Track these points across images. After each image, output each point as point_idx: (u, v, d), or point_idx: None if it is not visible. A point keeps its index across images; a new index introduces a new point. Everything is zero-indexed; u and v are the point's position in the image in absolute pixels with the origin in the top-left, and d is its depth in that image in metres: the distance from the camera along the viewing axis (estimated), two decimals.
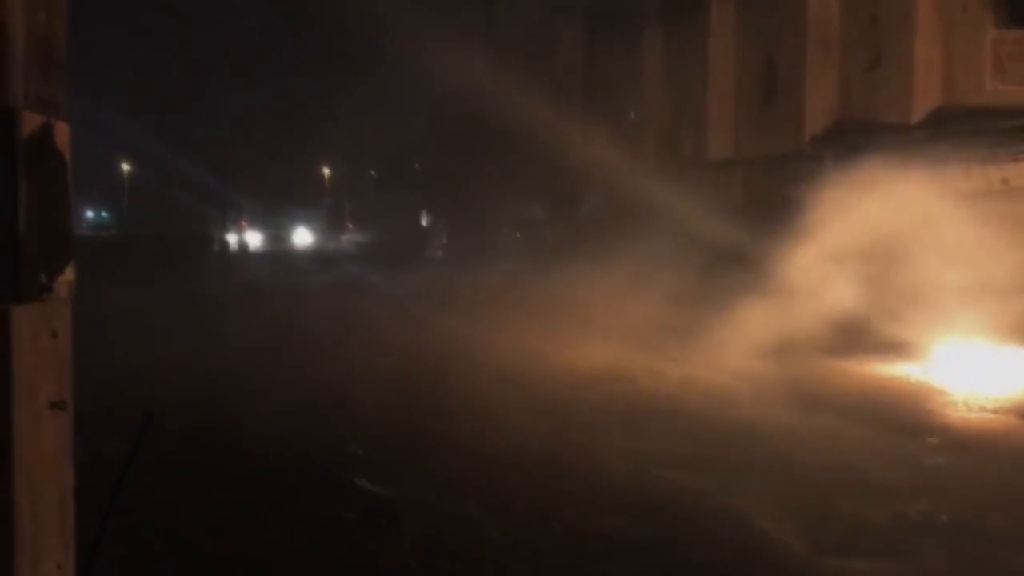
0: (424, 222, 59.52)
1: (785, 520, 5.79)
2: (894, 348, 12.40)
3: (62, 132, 2.44)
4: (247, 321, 16.34)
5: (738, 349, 12.48)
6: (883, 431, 8.41)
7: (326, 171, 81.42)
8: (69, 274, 2.46)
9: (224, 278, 29.12)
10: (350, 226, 79.78)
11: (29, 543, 2.29)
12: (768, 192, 19.39)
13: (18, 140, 2.26)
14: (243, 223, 66.20)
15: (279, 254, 56.11)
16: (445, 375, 11.14)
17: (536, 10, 36.17)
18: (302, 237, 73.25)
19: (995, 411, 9.67)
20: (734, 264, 16.79)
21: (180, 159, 57.37)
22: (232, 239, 52.87)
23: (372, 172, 75.61)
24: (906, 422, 8.88)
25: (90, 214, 67.78)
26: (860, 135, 17.13)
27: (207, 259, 40.39)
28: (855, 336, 12.74)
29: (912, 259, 13.11)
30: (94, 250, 29.06)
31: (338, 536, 5.56)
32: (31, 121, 2.30)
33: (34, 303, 2.28)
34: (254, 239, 67.62)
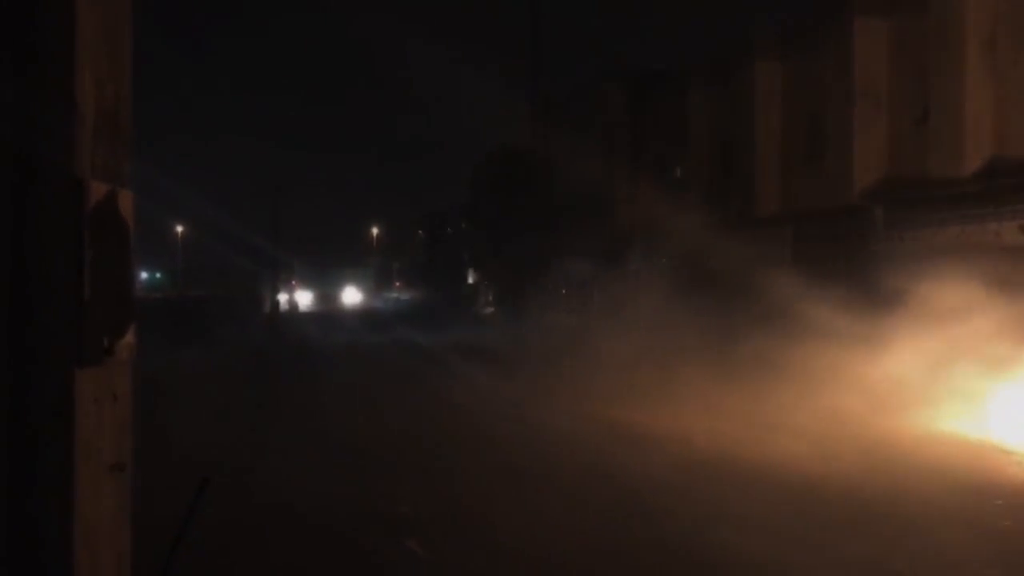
0: (471, 280, 59.87)
1: None
2: (956, 407, 12.06)
3: (126, 200, 2.52)
4: (293, 388, 16.43)
5: (794, 408, 12.25)
6: (947, 492, 8.14)
7: (374, 231, 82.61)
8: (130, 337, 2.51)
9: (275, 339, 29.47)
10: (398, 284, 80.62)
11: None
12: (818, 248, 19.19)
13: (85, 209, 2.33)
14: (294, 283, 67.23)
15: (328, 313, 56.71)
16: (500, 438, 11.09)
17: (583, 70, 36.70)
18: (351, 296, 74.13)
19: None
20: (785, 322, 16.56)
21: (232, 220, 58.69)
22: (283, 299, 53.67)
23: (419, 232, 76.51)
24: (970, 482, 8.60)
25: (144, 275, 69.28)
26: (910, 189, 16.94)
27: (259, 319, 41.03)
28: (915, 395, 12.44)
29: (970, 318, 12.83)
30: (148, 311, 29.68)
31: None
32: (98, 191, 2.38)
33: (96, 367, 2.33)
34: (304, 298, 68.61)
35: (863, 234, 17.48)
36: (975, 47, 15.95)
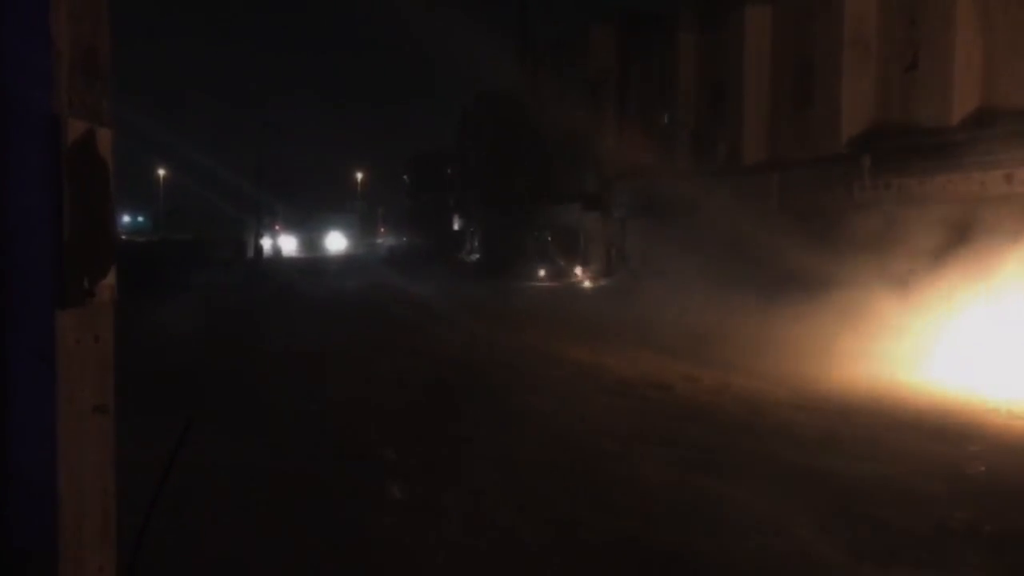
0: (456, 226, 59.68)
1: (824, 529, 5.70)
2: (930, 354, 12.21)
3: (105, 139, 2.47)
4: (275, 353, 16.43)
5: (771, 355, 12.36)
6: (923, 439, 8.28)
7: (359, 176, 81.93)
8: (111, 278, 2.48)
9: (257, 287, 29.33)
10: (383, 230, 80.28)
11: (72, 546, 2.31)
12: (805, 196, 19.18)
13: (63, 147, 2.28)
14: (277, 227, 66.82)
15: (313, 259, 56.52)
16: (485, 384, 11.16)
17: (570, 14, 36.14)
18: (335, 242, 73.86)
19: None
20: (769, 270, 16.64)
21: (216, 163, 57.99)
22: (267, 244, 53.42)
23: (405, 176, 76.03)
24: (946, 429, 8.74)
25: (127, 219, 68.65)
26: (898, 138, 16.90)
27: (242, 265, 40.85)
28: (890, 342, 12.57)
29: (954, 268, 12.91)
30: (130, 256, 29.32)
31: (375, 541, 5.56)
32: (76, 128, 2.33)
33: (77, 308, 2.30)
34: (288, 244, 68.28)
35: (849, 182, 17.46)
36: None
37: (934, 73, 16.43)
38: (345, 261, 52.69)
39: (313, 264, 48.03)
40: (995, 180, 14.42)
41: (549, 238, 37.02)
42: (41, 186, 2.25)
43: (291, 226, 72.18)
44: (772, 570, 5.10)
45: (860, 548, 5.39)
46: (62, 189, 2.26)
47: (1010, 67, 15.54)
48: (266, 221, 53.80)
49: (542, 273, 33.25)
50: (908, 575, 5.09)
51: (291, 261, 52.98)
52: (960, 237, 14.23)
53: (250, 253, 45.38)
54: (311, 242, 71.36)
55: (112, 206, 2.51)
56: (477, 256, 47.34)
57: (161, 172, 67.68)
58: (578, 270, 31.23)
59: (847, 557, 5.27)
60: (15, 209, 2.25)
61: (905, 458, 7.54)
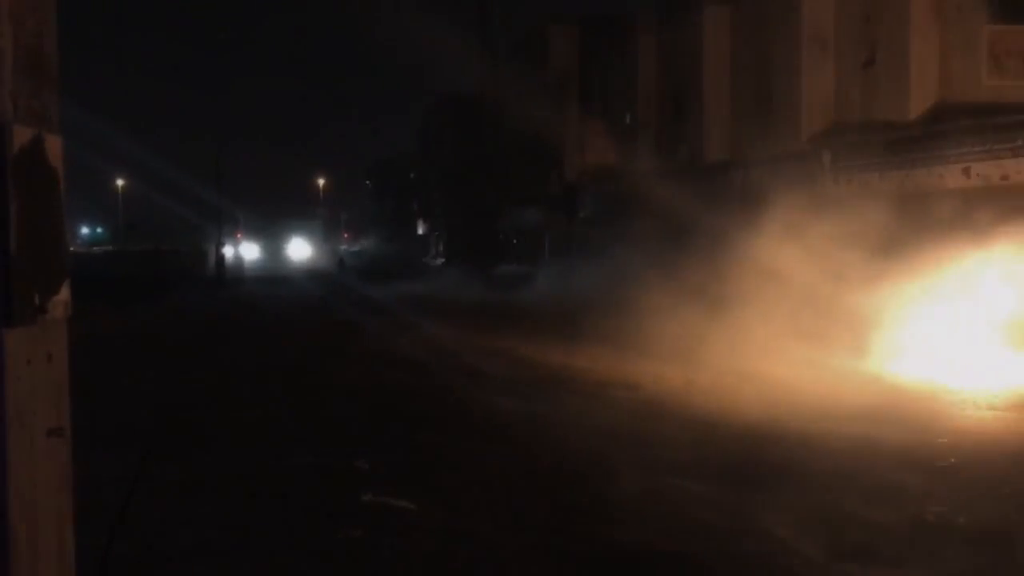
0: (420, 230, 59.47)
1: (801, 527, 5.67)
2: (900, 350, 12.31)
3: (54, 146, 2.34)
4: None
5: (741, 352, 12.37)
6: (894, 433, 8.31)
7: (321, 182, 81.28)
8: (64, 294, 2.35)
9: (222, 302, 28.83)
10: (346, 235, 79.75)
11: (26, 573, 2.18)
12: (766, 194, 19.29)
13: (8, 155, 2.15)
14: (239, 235, 65.99)
15: (276, 268, 55.85)
16: (453, 388, 11.05)
17: (530, 16, 36.15)
18: (299, 249, 73.14)
19: (1005, 409, 9.60)
20: (734, 267, 16.68)
21: (174, 171, 57.14)
22: (228, 252, 52.55)
23: (367, 181, 75.64)
24: (916, 423, 8.78)
25: (85, 230, 67.37)
26: (857, 133, 17.06)
27: (204, 276, 40.20)
28: (859, 338, 12.65)
29: (914, 261, 13.02)
30: (87, 268, 28.63)
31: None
32: (22, 135, 2.20)
33: (27, 326, 2.17)
34: (250, 251, 67.41)
35: (811, 179, 17.59)
36: None
37: (891, 69, 16.62)
38: (311, 271, 51.99)
39: (280, 276, 47.13)
40: (954, 173, 14.60)
41: (514, 241, 36.99)
42: None
43: (252, 232, 71.26)
44: None
45: (837, 545, 5.36)
46: (8, 199, 2.13)
47: (965, 63, 15.76)
48: (227, 228, 52.90)
49: (507, 274, 33.18)
50: (886, 571, 5.07)
51: (255, 272, 52.12)
52: (921, 230, 14.37)
53: (211, 264, 44.50)
54: (274, 250, 70.52)
55: (63, 217, 2.38)
56: (442, 260, 47.17)
57: (120, 182, 66.53)
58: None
59: (824, 555, 5.23)
60: None
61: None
